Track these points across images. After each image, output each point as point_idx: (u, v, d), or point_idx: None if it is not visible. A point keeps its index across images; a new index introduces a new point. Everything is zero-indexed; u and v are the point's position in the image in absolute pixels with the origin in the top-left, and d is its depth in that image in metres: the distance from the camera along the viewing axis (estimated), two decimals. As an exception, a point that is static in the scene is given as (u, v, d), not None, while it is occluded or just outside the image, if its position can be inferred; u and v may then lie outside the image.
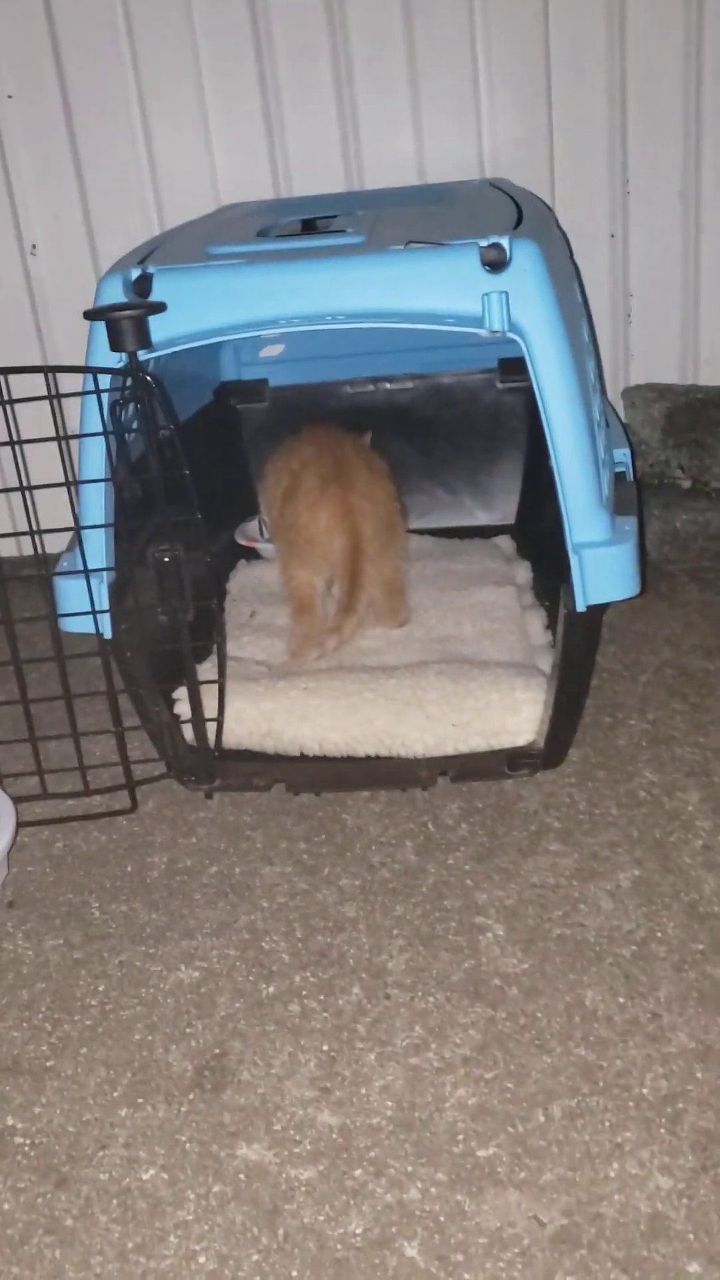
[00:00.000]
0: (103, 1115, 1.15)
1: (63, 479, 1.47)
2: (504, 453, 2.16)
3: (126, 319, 1.37)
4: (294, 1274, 0.98)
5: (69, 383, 1.44)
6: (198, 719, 1.55)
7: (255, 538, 2.10)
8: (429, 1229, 1.01)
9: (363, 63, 2.05)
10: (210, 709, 1.55)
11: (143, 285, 1.43)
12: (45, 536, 1.49)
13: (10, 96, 2.09)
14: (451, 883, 1.41)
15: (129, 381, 1.41)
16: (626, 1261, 0.97)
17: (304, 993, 1.27)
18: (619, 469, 1.63)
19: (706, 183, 2.08)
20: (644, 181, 2.09)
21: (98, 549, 1.49)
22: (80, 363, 1.47)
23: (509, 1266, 0.97)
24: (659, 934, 1.30)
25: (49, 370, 1.42)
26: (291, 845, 1.51)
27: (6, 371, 1.40)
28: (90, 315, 1.39)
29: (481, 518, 2.18)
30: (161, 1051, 1.22)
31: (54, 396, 1.42)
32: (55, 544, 1.55)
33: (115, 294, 1.44)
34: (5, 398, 1.40)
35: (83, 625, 1.51)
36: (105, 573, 1.49)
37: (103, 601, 1.48)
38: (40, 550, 1.49)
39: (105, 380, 1.42)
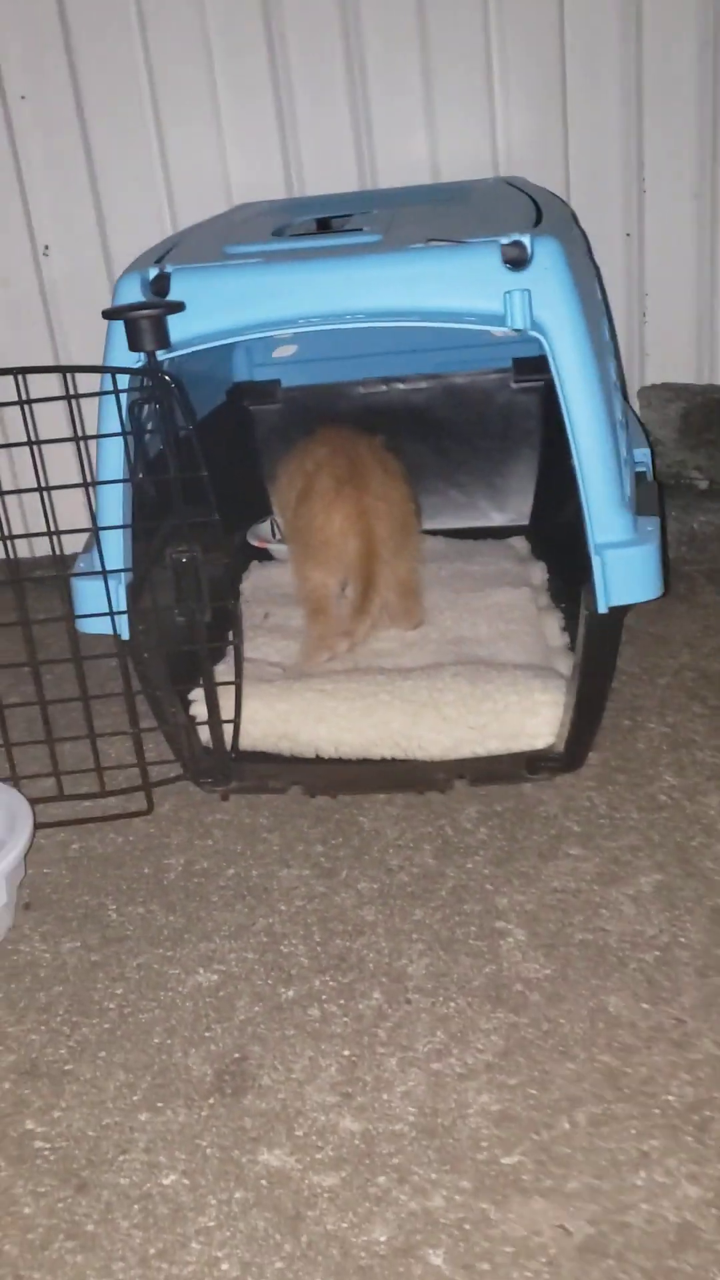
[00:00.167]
0: (122, 1119, 1.15)
1: (80, 479, 1.47)
2: (518, 453, 2.15)
3: (145, 318, 1.36)
4: (318, 1282, 0.97)
5: (84, 383, 1.43)
6: (214, 720, 1.54)
7: (267, 539, 2.09)
8: (454, 1237, 1.00)
9: (376, 61, 2.05)
10: (227, 710, 1.54)
11: (160, 284, 1.43)
12: (63, 537, 1.48)
13: (23, 97, 2.09)
14: (471, 887, 1.40)
15: (146, 381, 1.40)
16: (655, 1272, 0.95)
17: (324, 997, 1.26)
18: (639, 469, 1.62)
19: (723, 182, 2.08)
20: (660, 180, 2.08)
21: (115, 550, 1.48)
22: (93, 362, 1.47)
23: (536, 1276, 0.96)
24: (682, 939, 1.29)
25: (67, 370, 1.41)
26: (308, 848, 1.50)
27: (25, 371, 1.39)
28: (109, 314, 1.39)
29: (496, 518, 2.17)
30: (181, 1055, 1.21)
31: (72, 396, 1.41)
32: (73, 545, 1.54)
33: (133, 293, 1.44)
34: (23, 398, 1.40)
35: (100, 626, 1.50)
36: (123, 573, 1.49)
37: (120, 602, 1.48)
38: (59, 551, 1.49)
39: (124, 380, 1.41)
